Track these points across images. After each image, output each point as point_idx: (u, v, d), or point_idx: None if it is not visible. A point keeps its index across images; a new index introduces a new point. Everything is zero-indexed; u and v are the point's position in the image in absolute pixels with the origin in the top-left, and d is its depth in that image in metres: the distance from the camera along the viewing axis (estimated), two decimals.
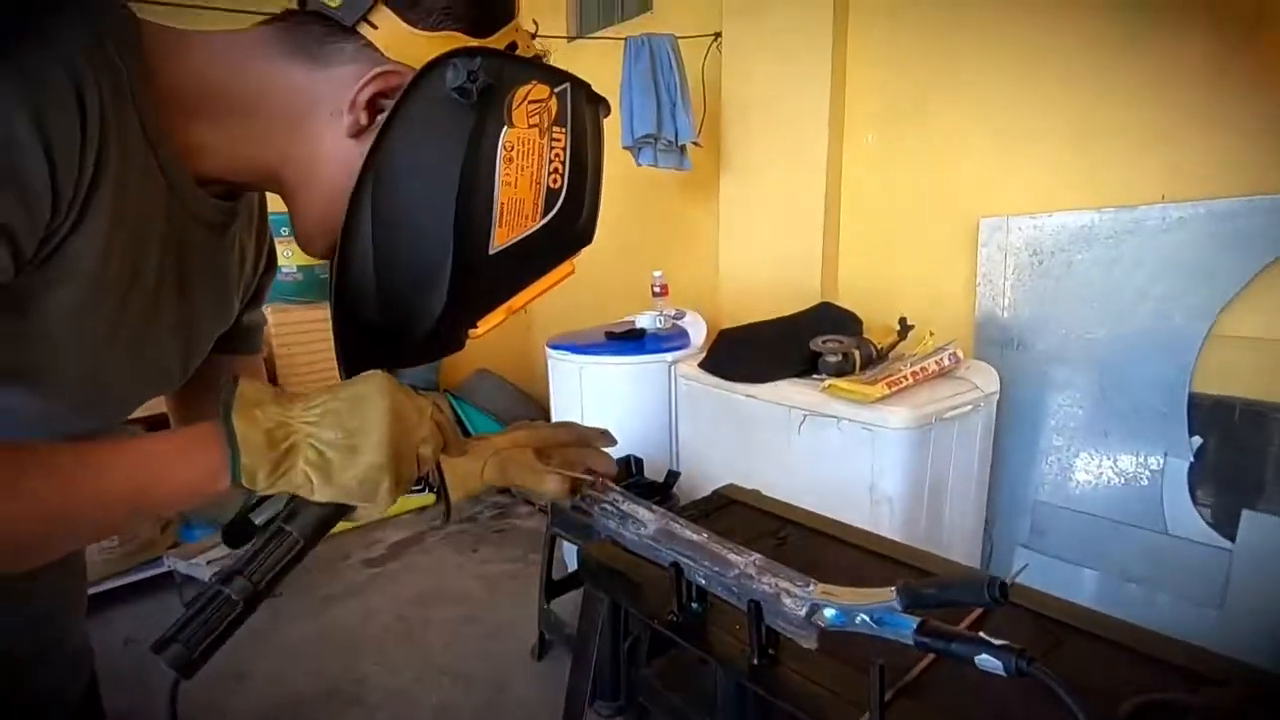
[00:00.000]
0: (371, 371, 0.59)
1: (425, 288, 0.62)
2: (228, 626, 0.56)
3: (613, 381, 2.45)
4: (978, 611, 0.85)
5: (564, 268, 0.66)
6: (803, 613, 0.71)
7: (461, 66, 0.56)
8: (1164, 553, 1.91)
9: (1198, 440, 1.86)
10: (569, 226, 0.64)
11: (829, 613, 0.70)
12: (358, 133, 0.59)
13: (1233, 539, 1.80)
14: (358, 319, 0.64)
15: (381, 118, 0.58)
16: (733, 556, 0.81)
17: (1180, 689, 0.70)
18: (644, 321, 2.62)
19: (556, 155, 0.61)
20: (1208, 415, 1.84)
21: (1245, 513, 1.79)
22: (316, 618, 2.59)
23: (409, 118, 0.58)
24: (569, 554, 2.55)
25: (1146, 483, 1.94)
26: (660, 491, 2.19)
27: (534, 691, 2.18)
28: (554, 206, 0.62)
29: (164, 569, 2.66)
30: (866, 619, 0.66)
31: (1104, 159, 1.97)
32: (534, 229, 0.62)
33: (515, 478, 0.76)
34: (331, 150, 0.60)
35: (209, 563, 2.54)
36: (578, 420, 2.45)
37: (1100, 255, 1.97)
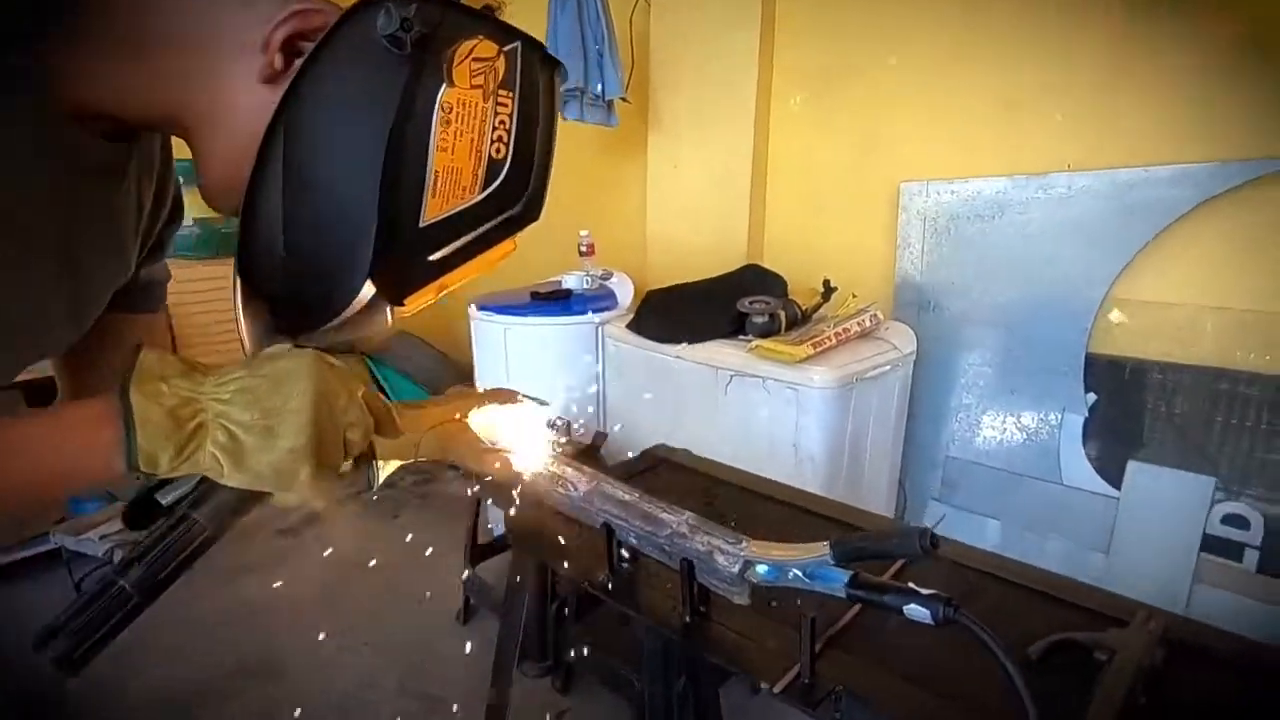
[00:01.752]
0: (293, 348, 0.53)
1: (343, 260, 0.55)
2: (119, 621, 0.52)
3: (539, 343, 2.40)
4: (898, 564, 0.88)
5: (505, 245, 0.60)
6: (735, 569, 0.71)
7: (395, 11, 0.49)
8: (1059, 502, 2.05)
9: (1092, 397, 1.98)
10: (512, 202, 0.57)
11: (761, 569, 0.71)
12: (271, 77, 0.52)
13: (1119, 487, 1.95)
14: (264, 288, 0.57)
15: (299, 62, 0.51)
16: (665, 516, 0.80)
17: (1086, 628, 0.74)
18: (570, 282, 2.56)
19: (501, 122, 0.54)
20: (1102, 374, 1.96)
21: (1131, 463, 1.93)
22: (230, 589, 2.47)
23: (331, 65, 0.51)
24: (494, 517, 2.51)
25: (1046, 437, 2.06)
26: (588, 453, 2.18)
27: (460, 657, 2.15)
28: (496, 178, 0.55)
29: (51, 545, 2.46)
30: (799, 574, 0.67)
31: (1019, 128, 2.04)
32: (472, 202, 0.55)
33: (456, 457, 0.73)
34: (240, 95, 0.53)
35: (101, 538, 2.37)
36: (505, 381, 2.39)
37: (1012, 221, 2.05)
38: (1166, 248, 1.83)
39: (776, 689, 0.69)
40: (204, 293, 2.71)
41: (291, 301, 0.58)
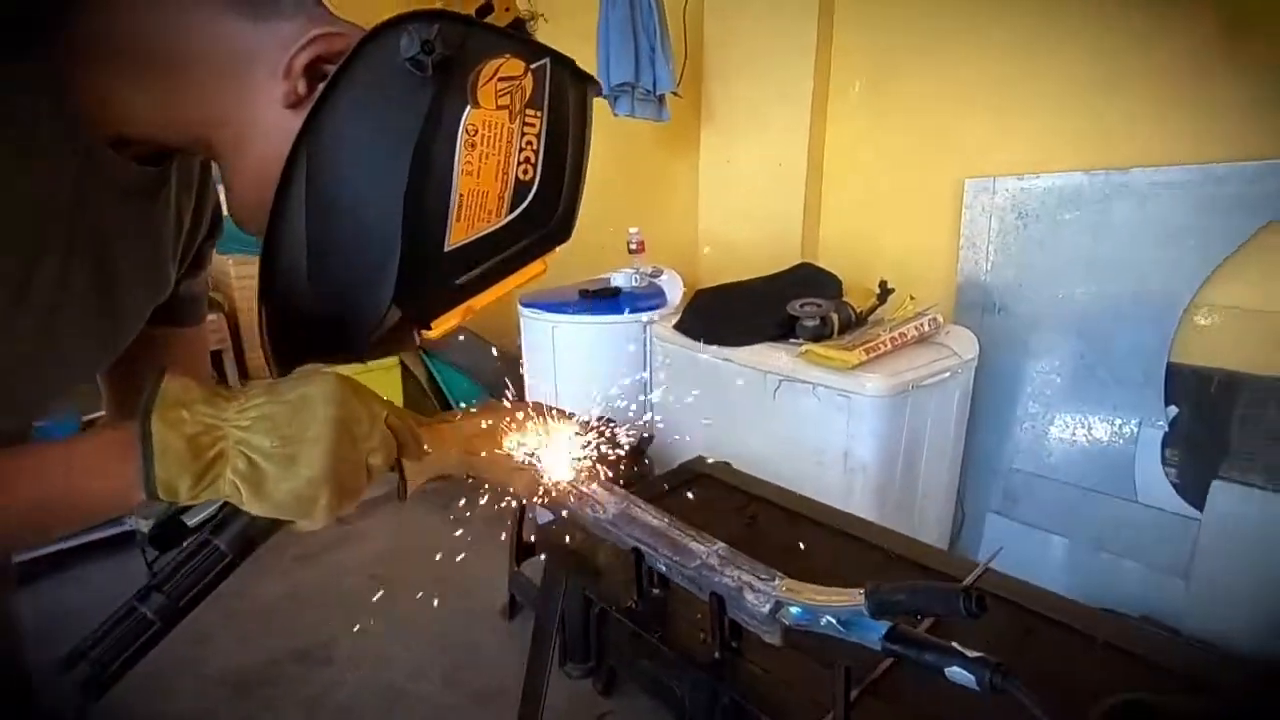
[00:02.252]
0: (319, 370, 0.53)
1: (368, 282, 0.54)
2: (141, 647, 0.52)
3: (586, 341, 2.38)
4: None
5: (534, 267, 0.59)
6: (766, 609, 0.67)
7: (416, 34, 0.48)
8: (1134, 521, 1.91)
9: (1173, 410, 1.84)
10: (541, 223, 0.56)
11: (793, 610, 0.66)
12: (295, 102, 0.52)
13: (1201, 508, 1.80)
14: (288, 310, 0.57)
15: (322, 86, 0.50)
16: (694, 545, 0.76)
17: (1150, 688, 0.67)
18: (619, 280, 2.54)
19: (529, 143, 0.53)
20: (1184, 385, 1.82)
21: (1215, 483, 1.78)
22: (286, 577, 2.55)
23: (351, 89, 0.50)
24: (542, 514, 2.52)
25: (1120, 451, 1.93)
26: (633, 455, 2.16)
27: (504, 651, 2.17)
28: (523, 201, 0.54)
29: (126, 528, 2.59)
30: (833, 621, 0.62)
31: (1095, 120, 1.90)
32: (498, 225, 0.54)
33: (483, 474, 0.72)
34: (266, 119, 0.52)
35: None
36: (551, 379, 2.39)
37: (1087, 218, 1.92)
38: (1261, 249, 1.67)
39: None
40: None
41: (315, 326, 0.58)
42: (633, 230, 2.59)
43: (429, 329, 0.59)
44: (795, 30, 2.40)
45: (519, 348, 2.65)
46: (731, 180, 2.71)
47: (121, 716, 1.94)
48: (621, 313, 2.38)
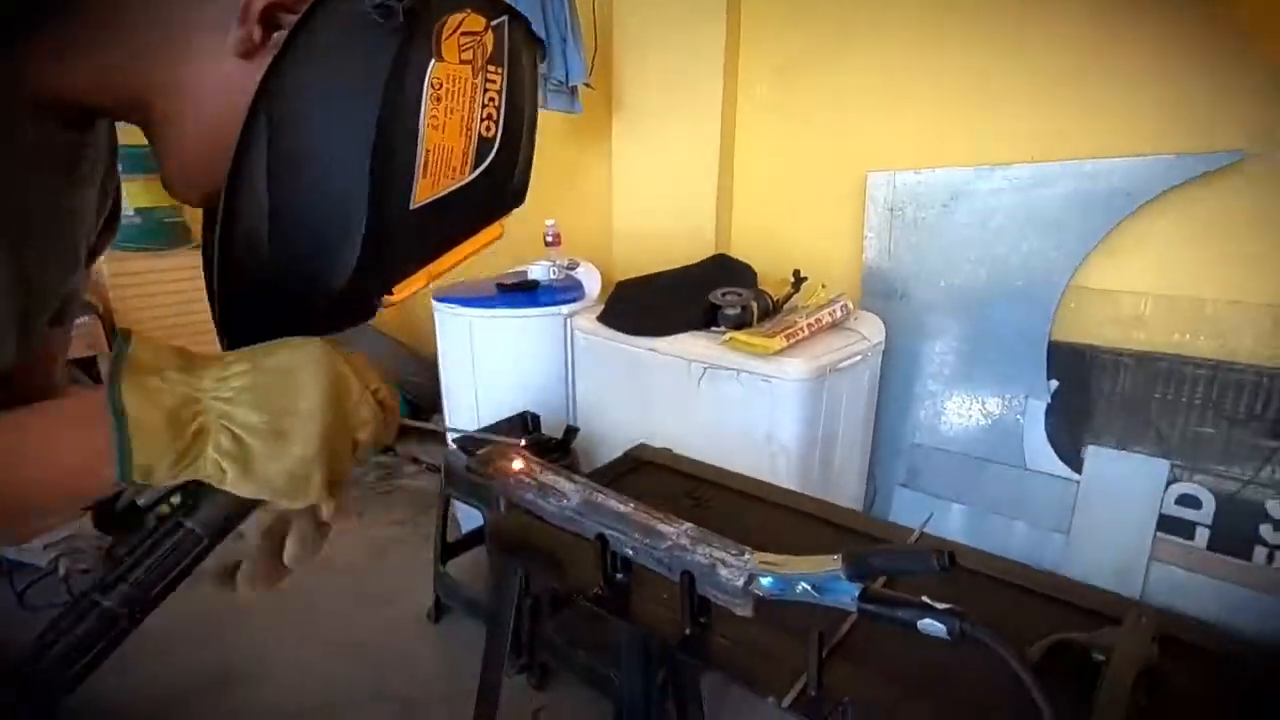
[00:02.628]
0: (303, 338, 0.49)
1: (332, 248, 0.51)
2: (105, 647, 0.47)
3: (505, 335, 2.35)
4: None
5: (493, 230, 0.57)
6: (740, 582, 0.70)
7: None
8: (1022, 485, 2.10)
9: (1054, 383, 2.03)
10: (502, 182, 0.55)
11: (766, 581, 0.69)
12: (249, 51, 0.47)
13: (1079, 471, 2.01)
14: (246, 284, 0.52)
15: (280, 35, 0.47)
16: (663, 527, 0.78)
17: (1080, 628, 0.75)
18: (536, 272, 2.51)
19: (491, 99, 0.52)
20: (1063, 360, 2.01)
21: (1090, 447, 1.99)
22: (190, 597, 2.37)
23: (317, 37, 0.47)
24: (462, 513, 2.47)
25: (1010, 423, 2.11)
26: (559, 448, 2.15)
27: (433, 655, 2.12)
28: (486, 158, 0.52)
29: None
30: (808, 587, 0.66)
31: (983, 118, 2.06)
32: (463, 182, 0.52)
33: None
34: (215, 71, 0.48)
35: (45, 547, 2.24)
36: (470, 375, 2.34)
37: (976, 210, 2.08)
38: (1125, 237, 1.88)
39: (785, 704, 0.68)
40: (146, 285, 2.57)
41: (275, 298, 0.54)
42: (549, 222, 2.57)
43: (390, 294, 0.56)
44: (705, 24, 2.45)
45: (432, 345, 2.57)
46: (645, 172, 2.74)
47: None
48: (540, 305, 2.36)
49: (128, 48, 0.48)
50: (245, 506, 0.49)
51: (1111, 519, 1.96)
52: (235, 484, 0.45)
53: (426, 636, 2.20)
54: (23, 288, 0.51)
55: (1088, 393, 1.98)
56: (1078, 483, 2.01)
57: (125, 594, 0.47)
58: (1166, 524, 1.89)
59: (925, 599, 0.60)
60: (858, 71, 2.27)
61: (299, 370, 0.47)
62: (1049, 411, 2.04)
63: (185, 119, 0.50)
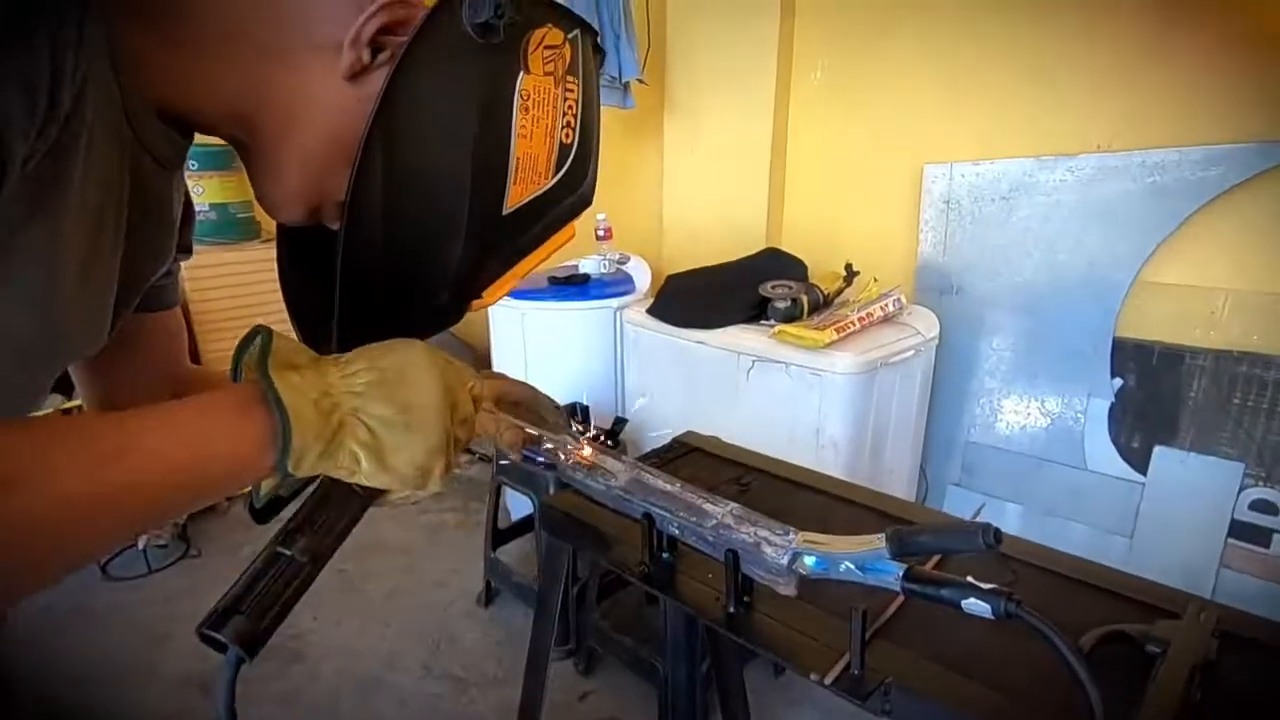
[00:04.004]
0: (401, 340, 0.52)
1: (437, 255, 0.54)
2: (293, 593, 0.51)
3: (557, 328, 2.39)
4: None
5: (566, 230, 0.61)
6: (784, 561, 0.71)
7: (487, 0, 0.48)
8: (1082, 487, 2.04)
9: (1118, 381, 1.96)
10: (578, 184, 0.58)
11: (810, 560, 0.70)
12: (356, 74, 0.50)
13: (1144, 473, 1.93)
14: (359, 290, 0.55)
15: (384, 56, 0.49)
16: (709, 506, 0.79)
17: (1135, 620, 0.73)
18: (588, 266, 2.55)
19: (570, 107, 0.55)
20: (1129, 358, 1.94)
21: (1157, 448, 1.91)
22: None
23: (425, 58, 0.49)
24: (513, 501, 2.52)
25: (1070, 422, 2.05)
26: (607, 439, 2.18)
27: (483, 638, 2.17)
28: (565, 163, 0.56)
29: None
30: (851, 566, 0.66)
31: (1046, 108, 2.00)
32: (547, 187, 0.56)
33: (478, 426, 0.73)
34: (322, 94, 0.50)
35: None
36: (522, 367, 2.39)
37: (1037, 203, 2.02)
38: (1198, 229, 1.80)
39: (827, 681, 0.68)
40: (220, 278, 2.70)
41: (385, 302, 0.57)
42: (600, 217, 2.60)
43: (479, 298, 0.60)
44: (758, 18, 2.44)
45: (485, 338, 2.64)
46: (696, 168, 2.75)
47: (84, 713, 1.88)
48: (591, 299, 2.40)
49: (242, 66, 0.50)
50: (371, 493, 0.52)
51: (1179, 523, 1.88)
52: (370, 474, 0.48)
53: (476, 619, 2.26)
54: (124, 278, 0.55)
55: (1156, 392, 1.91)
56: (1142, 485, 1.93)
57: (305, 542, 0.51)
58: (1239, 530, 1.80)
59: (971, 579, 0.59)
60: (914, 61, 2.23)
61: (414, 368, 0.50)
62: (1112, 411, 1.97)
63: (292, 138, 0.52)
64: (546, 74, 0.53)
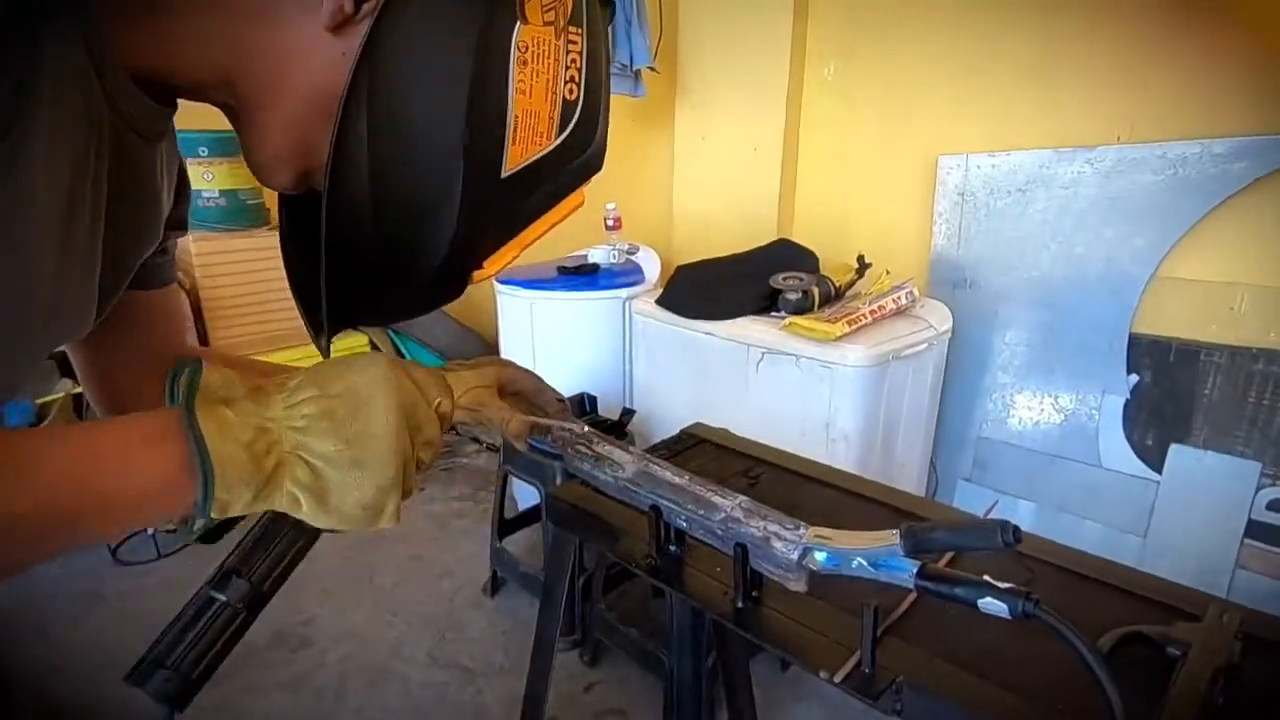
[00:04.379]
0: (364, 354, 0.49)
1: (430, 220, 0.50)
2: (229, 640, 0.47)
3: (565, 318, 2.38)
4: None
5: (575, 197, 0.56)
6: (794, 556, 0.69)
7: None
8: (1096, 484, 2.01)
9: (1134, 378, 1.93)
10: (584, 146, 0.53)
11: (820, 556, 0.68)
12: (340, 25, 0.46)
13: (1160, 471, 1.90)
14: (349, 261, 0.51)
15: (368, 6, 0.46)
16: (717, 499, 0.78)
17: (1155, 622, 0.71)
18: (597, 256, 2.53)
19: (573, 61, 0.50)
20: (1145, 354, 1.91)
21: (1173, 446, 1.88)
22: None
23: (409, 5, 0.46)
24: (520, 492, 2.52)
25: (1085, 419, 2.02)
26: (615, 430, 2.17)
27: (489, 627, 2.17)
28: (570, 122, 0.51)
29: None
30: (863, 562, 0.64)
31: (1063, 98, 1.97)
32: (550, 148, 0.51)
33: (484, 414, 0.71)
34: (306, 47, 0.47)
35: None
36: (529, 357, 2.38)
37: (1054, 195, 1.99)
38: (1219, 224, 1.76)
39: (837, 679, 0.67)
40: (229, 264, 2.70)
41: (377, 272, 0.54)
42: (610, 206, 2.58)
43: (480, 269, 0.56)
44: (772, 7, 2.41)
45: (492, 327, 2.63)
46: (707, 157, 2.73)
47: (93, 705, 1.88)
48: (600, 289, 2.38)
49: (220, 24, 0.47)
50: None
51: (1194, 522, 1.85)
52: (311, 516, 0.45)
53: (483, 609, 2.26)
54: (109, 257, 0.52)
55: (1172, 389, 1.88)
56: (1157, 483, 1.91)
57: (243, 588, 0.47)
58: (1255, 530, 1.77)
59: (987, 578, 0.58)
60: (928, 51, 2.19)
61: (367, 391, 0.46)
62: (1127, 407, 1.94)
63: (275, 96, 0.50)
64: (546, 24, 0.49)
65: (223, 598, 0.46)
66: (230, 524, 0.51)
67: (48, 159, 0.40)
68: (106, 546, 2.42)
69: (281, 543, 0.48)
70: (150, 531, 2.42)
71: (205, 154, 2.50)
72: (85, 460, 0.41)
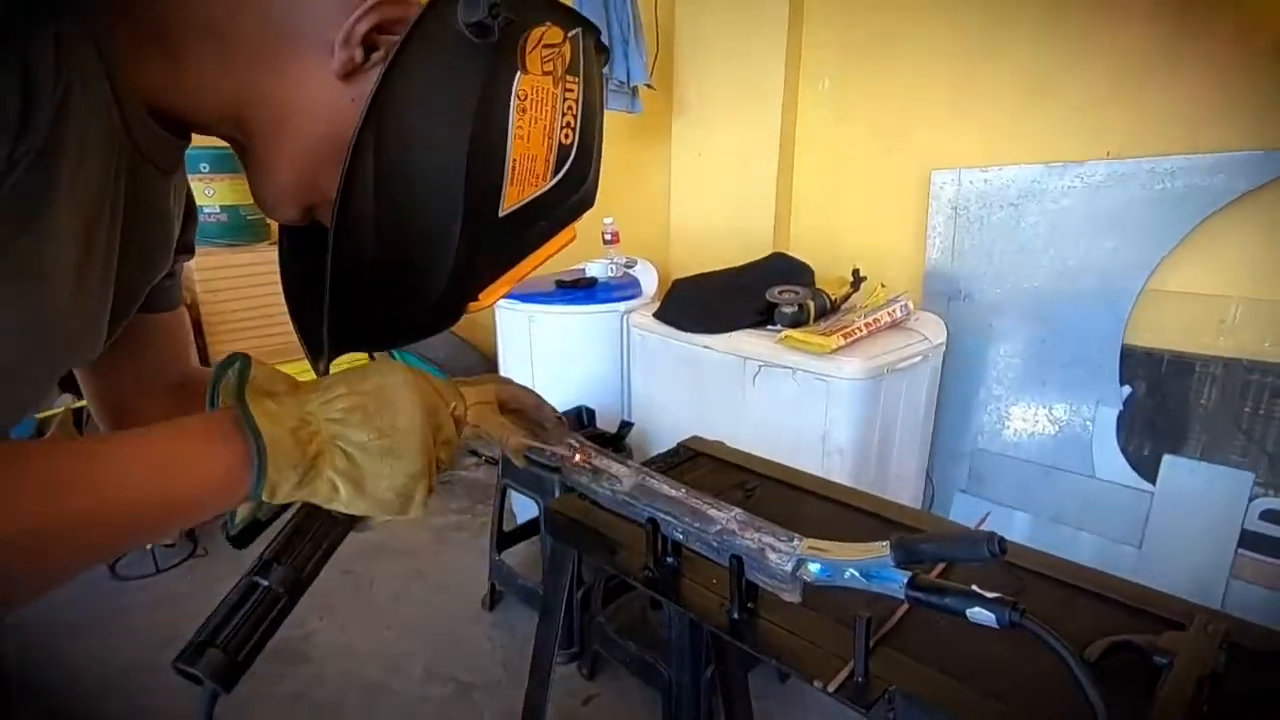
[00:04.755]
0: (385, 361, 0.52)
1: (430, 256, 0.53)
2: (270, 624, 0.50)
3: (563, 331, 2.40)
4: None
5: (566, 233, 0.59)
6: (789, 567, 0.71)
7: None
8: (1090, 496, 2.02)
9: (1127, 389, 1.95)
10: (577, 186, 0.57)
11: (814, 567, 0.70)
12: (350, 72, 0.49)
13: (1154, 482, 1.92)
14: (352, 291, 0.54)
15: (377, 55, 0.49)
16: (713, 512, 0.79)
17: (1141, 631, 0.72)
18: (595, 270, 2.55)
19: (569, 108, 0.54)
20: (1138, 366, 1.93)
21: (1166, 457, 1.90)
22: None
23: (417, 57, 0.49)
24: (518, 505, 2.53)
25: (1079, 430, 2.03)
26: (613, 443, 2.18)
27: (487, 642, 2.18)
28: (564, 164, 0.55)
29: None
30: (855, 573, 0.66)
31: (1054, 114, 1.99)
32: (545, 189, 0.55)
33: (485, 429, 0.73)
34: (315, 93, 0.50)
35: None
36: (528, 370, 2.39)
37: (1046, 209, 2.02)
38: (1209, 237, 1.79)
39: (831, 688, 0.68)
40: (231, 280, 2.72)
41: (378, 302, 0.56)
42: (607, 220, 2.61)
43: (476, 300, 0.59)
44: (767, 24, 2.45)
45: (491, 340, 2.64)
46: (703, 172, 2.76)
47: (93, 718, 1.88)
48: (598, 303, 2.40)
49: (235, 66, 0.50)
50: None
51: (1188, 533, 1.87)
52: (349, 502, 0.48)
53: (481, 622, 2.26)
54: (122, 283, 0.54)
55: (1165, 400, 1.90)
56: (1151, 494, 1.92)
57: (282, 574, 0.50)
58: (1250, 540, 1.79)
59: (975, 588, 0.59)
60: (923, 66, 2.23)
61: (395, 391, 0.49)
62: (1121, 419, 1.96)
63: (285, 137, 0.52)
64: (545, 73, 0.52)
65: (265, 583, 0.49)
66: (260, 528, 0.53)
67: (72, 188, 0.42)
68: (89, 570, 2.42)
69: (317, 533, 0.51)
70: (149, 547, 2.42)
71: (206, 170, 2.53)
72: (153, 461, 0.43)
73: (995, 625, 0.57)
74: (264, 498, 0.45)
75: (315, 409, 0.47)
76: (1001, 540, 0.55)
